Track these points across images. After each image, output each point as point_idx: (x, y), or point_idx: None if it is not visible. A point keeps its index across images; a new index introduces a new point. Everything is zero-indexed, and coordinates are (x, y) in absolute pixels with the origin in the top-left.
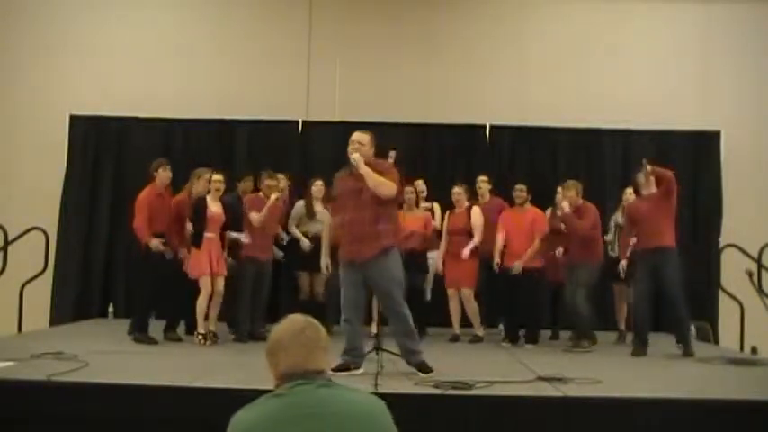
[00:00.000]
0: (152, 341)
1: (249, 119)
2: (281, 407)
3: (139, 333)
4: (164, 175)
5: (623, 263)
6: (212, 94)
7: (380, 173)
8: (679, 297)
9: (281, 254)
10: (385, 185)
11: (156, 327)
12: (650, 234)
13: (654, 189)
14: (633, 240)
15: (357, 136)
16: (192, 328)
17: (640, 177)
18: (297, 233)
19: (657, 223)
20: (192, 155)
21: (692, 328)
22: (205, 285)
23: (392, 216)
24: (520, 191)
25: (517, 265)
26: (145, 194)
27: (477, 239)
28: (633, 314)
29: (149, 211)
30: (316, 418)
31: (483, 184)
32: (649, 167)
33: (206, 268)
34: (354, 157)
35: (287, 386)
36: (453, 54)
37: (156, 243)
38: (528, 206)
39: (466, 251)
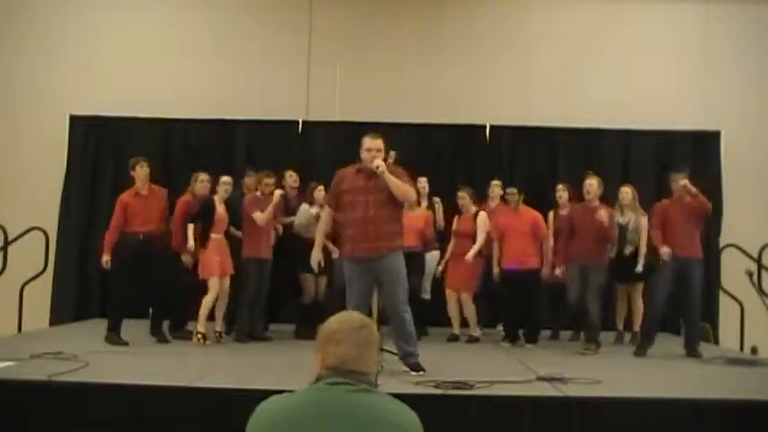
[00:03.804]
0: (165, 340)
1: (249, 119)
2: (313, 402)
3: (156, 330)
4: (141, 171)
5: (666, 250)
6: (212, 94)
7: (398, 177)
8: (698, 304)
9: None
10: (409, 191)
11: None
12: (681, 242)
13: (687, 198)
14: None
15: (374, 143)
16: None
17: (682, 183)
18: (298, 223)
19: (688, 233)
20: (192, 155)
21: None
22: (214, 286)
23: (401, 217)
24: (511, 194)
25: (640, 265)
26: (121, 198)
27: (479, 243)
28: (647, 313)
29: (125, 214)
30: (342, 421)
31: (496, 188)
32: (692, 189)
33: (216, 269)
34: (378, 164)
35: (327, 381)
36: (453, 54)
37: (105, 260)
38: (523, 208)
39: (469, 255)
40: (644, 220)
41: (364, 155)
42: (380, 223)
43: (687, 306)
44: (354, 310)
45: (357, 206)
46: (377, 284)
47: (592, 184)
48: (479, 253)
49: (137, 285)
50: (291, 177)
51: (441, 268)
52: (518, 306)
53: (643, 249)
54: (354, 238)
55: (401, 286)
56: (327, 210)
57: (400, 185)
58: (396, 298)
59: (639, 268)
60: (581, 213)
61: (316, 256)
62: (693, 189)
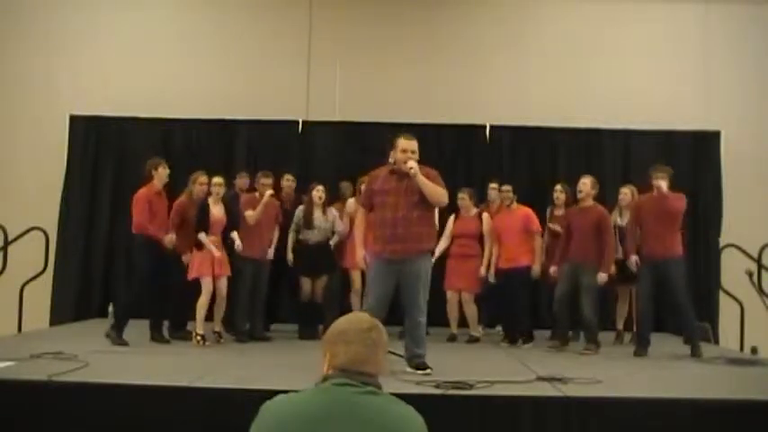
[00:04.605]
0: (165, 340)
1: (249, 119)
2: (320, 403)
3: (155, 333)
4: (163, 172)
5: (635, 258)
6: (212, 94)
7: (430, 180)
8: (686, 302)
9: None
10: (441, 195)
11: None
12: (657, 240)
13: (662, 191)
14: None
15: (410, 144)
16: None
17: (657, 184)
18: (289, 244)
19: (664, 231)
20: (192, 155)
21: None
22: (206, 286)
23: (433, 219)
24: (506, 191)
25: (536, 270)
26: (143, 192)
27: (488, 251)
28: (636, 314)
29: (149, 210)
30: (350, 422)
31: (492, 191)
32: (663, 189)
33: (207, 270)
34: (412, 165)
35: (334, 381)
36: (453, 54)
37: (170, 238)
38: (515, 206)
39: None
40: None
41: (399, 155)
42: (410, 225)
43: (675, 307)
44: (372, 310)
45: (387, 207)
46: (400, 286)
47: (585, 183)
48: (481, 254)
49: (151, 287)
50: (288, 182)
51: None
52: (507, 304)
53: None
54: (384, 239)
55: (423, 290)
56: (361, 210)
57: (433, 188)
58: (416, 301)
59: (633, 267)
60: (576, 214)
61: (361, 256)
62: (664, 189)
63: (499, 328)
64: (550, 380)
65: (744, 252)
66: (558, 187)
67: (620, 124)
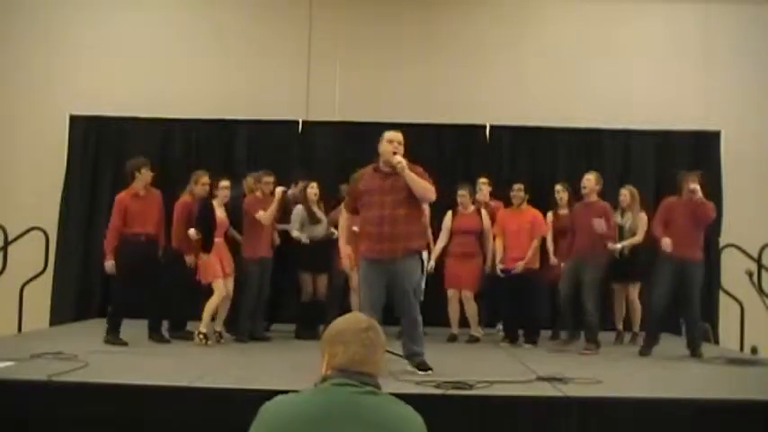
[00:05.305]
0: (165, 340)
1: (249, 119)
2: (321, 403)
3: (154, 333)
4: (147, 175)
5: (668, 240)
6: (212, 94)
7: (417, 176)
8: (698, 305)
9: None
10: (429, 190)
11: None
12: (681, 240)
13: (697, 196)
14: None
15: (396, 135)
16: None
17: (692, 187)
18: (297, 234)
19: (690, 233)
20: (192, 155)
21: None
22: (220, 289)
23: (421, 218)
24: (518, 190)
25: (519, 265)
26: (120, 197)
27: (498, 248)
28: (649, 313)
29: (126, 214)
30: (350, 422)
31: (483, 186)
32: (700, 195)
33: (219, 272)
34: (399, 160)
35: (333, 382)
36: (453, 54)
37: (110, 264)
38: (525, 206)
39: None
40: (643, 216)
41: (385, 147)
42: (396, 223)
43: (686, 307)
44: (368, 311)
45: (373, 206)
46: (390, 285)
47: (589, 179)
48: (481, 252)
49: (139, 287)
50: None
51: (432, 264)
52: (517, 306)
53: (635, 240)
54: (371, 238)
55: (414, 287)
56: (345, 214)
57: (420, 183)
58: (409, 300)
59: (617, 246)
60: (580, 211)
61: (345, 264)
62: (700, 195)
63: (499, 327)
64: (550, 380)
65: (744, 252)
66: (559, 187)
67: (620, 124)
